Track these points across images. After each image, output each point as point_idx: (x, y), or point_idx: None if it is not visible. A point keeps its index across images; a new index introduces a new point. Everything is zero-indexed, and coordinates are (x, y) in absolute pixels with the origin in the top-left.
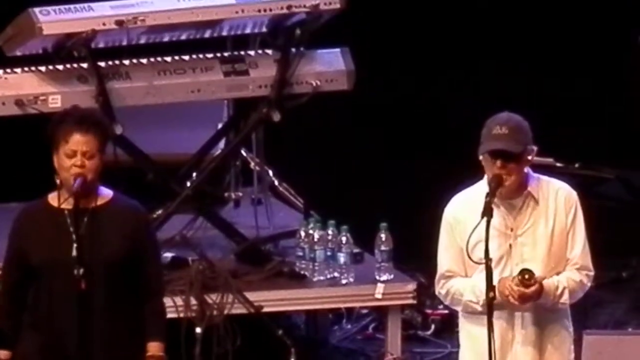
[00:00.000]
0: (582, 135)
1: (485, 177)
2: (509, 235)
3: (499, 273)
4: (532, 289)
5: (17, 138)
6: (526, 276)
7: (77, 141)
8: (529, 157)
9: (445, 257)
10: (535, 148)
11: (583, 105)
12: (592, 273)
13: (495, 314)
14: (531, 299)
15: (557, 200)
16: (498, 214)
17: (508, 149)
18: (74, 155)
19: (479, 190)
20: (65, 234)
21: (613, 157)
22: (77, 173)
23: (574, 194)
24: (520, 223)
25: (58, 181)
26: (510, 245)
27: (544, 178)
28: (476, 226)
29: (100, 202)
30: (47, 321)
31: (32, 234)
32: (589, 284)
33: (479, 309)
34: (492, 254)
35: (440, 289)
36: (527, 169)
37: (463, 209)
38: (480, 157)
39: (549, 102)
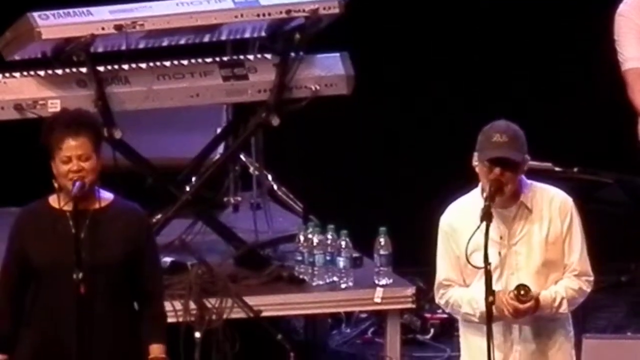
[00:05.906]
0: (580, 139)
1: (480, 184)
2: (503, 245)
3: (494, 282)
4: (527, 305)
5: (15, 142)
6: (522, 292)
7: (70, 146)
8: (524, 167)
9: (443, 266)
10: (529, 158)
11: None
12: (591, 278)
13: (493, 326)
14: (525, 314)
15: (551, 208)
16: (492, 223)
17: (511, 157)
18: (69, 161)
19: (474, 198)
20: (67, 236)
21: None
22: (74, 178)
23: (569, 201)
24: (514, 232)
25: (56, 185)
26: (505, 255)
27: (538, 185)
28: (475, 231)
29: (101, 204)
30: (45, 323)
31: (33, 235)
32: (588, 290)
33: (476, 320)
34: None
35: (439, 298)
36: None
37: (458, 218)
38: (475, 164)
39: (549, 105)
